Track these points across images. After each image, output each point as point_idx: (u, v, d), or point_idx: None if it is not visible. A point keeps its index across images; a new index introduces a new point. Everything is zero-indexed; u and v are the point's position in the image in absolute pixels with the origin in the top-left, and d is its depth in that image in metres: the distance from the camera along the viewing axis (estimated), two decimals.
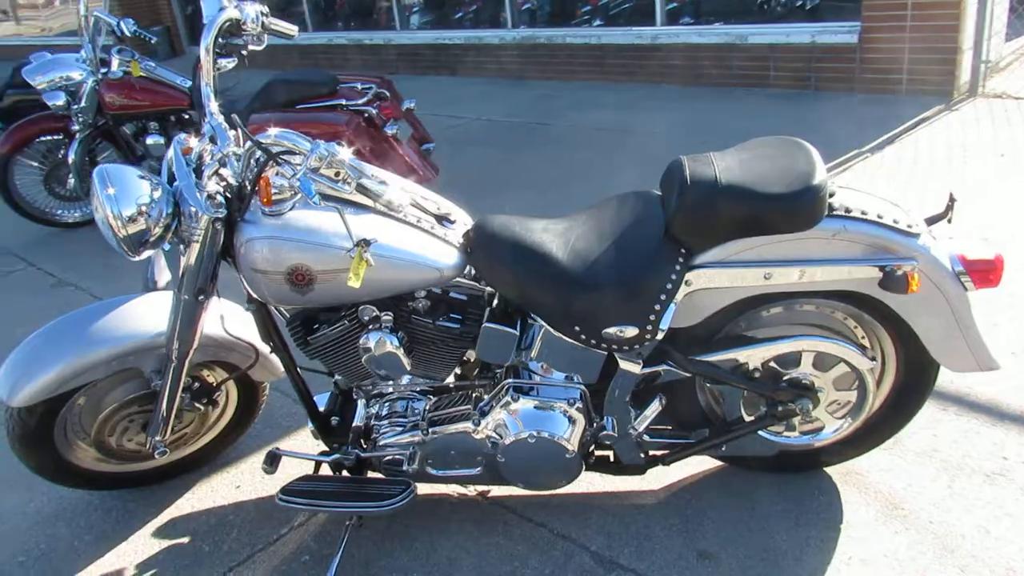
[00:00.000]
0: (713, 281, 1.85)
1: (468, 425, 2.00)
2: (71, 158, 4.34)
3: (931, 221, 1.91)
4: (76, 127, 4.41)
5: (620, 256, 1.86)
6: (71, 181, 4.54)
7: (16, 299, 3.88)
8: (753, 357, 1.96)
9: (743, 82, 6.56)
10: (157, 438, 2.11)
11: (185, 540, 2.23)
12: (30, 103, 4.97)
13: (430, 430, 2.02)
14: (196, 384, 2.24)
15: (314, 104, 4.16)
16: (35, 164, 4.58)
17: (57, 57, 4.46)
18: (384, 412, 2.09)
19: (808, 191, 1.74)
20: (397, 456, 2.08)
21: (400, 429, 2.06)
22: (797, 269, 1.84)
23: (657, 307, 1.82)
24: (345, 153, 1.73)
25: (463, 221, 2.03)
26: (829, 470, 2.24)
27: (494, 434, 1.99)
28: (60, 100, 4.32)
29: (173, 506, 2.37)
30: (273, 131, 1.82)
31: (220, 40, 1.97)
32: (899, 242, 1.81)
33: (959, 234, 3.46)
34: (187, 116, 4.57)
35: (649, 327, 1.84)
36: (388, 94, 4.29)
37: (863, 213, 1.82)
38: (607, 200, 2.06)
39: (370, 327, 1.95)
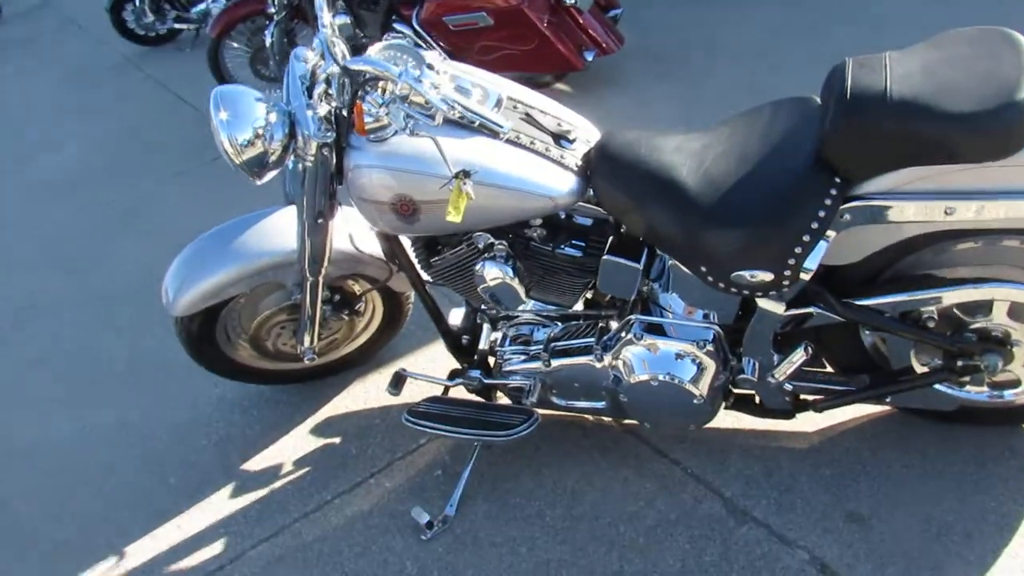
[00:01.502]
0: (877, 217, 1.52)
1: (591, 359, 1.88)
2: (267, 41, 4.48)
3: None
4: (272, 9, 4.51)
5: (759, 185, 1.58)
6: (271, 63, 4.71)
7: (217, 185, 4.16)
8: (928, 303, 1.63)
9: None
10: (305, 346, 2.20)
11: (336, 441, 2.35)
12: None
13: (552, 360, 1.92)
14: (337, 296, 2.28)
15: None
16: (242, 46, 4.79)
17: None
18: (509, 337, 2.02)
19: (1009, 109, 1.34)
20: (520, 384, 2.01)
21: (524, 356, 1.98)
22: (995, 203, 1.46)
23: (799, 249, 1.54)
24: (439, 78, 1.57)
25: (586, 138, 1.81)
26: None
27: (618, 371, 1.85)
28: None
29: (330, 404, 2.49)
30: (373, 49, 1.70)
31: None
32: None
33: None
34: None
35: (788, 272, 1.57)
36: None
37: None
38: (760, 108, 1.74)
39: (485, 255, 1.84)
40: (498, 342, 2.03)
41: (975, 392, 1.79)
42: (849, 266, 1.66)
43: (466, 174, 1.63)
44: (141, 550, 2.14)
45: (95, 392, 2.73)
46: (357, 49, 4.41)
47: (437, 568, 1.93)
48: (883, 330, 1.71)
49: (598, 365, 1.87)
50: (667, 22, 4.74)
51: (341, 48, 1.78)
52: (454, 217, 1.64)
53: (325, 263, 2.01)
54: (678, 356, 1.78)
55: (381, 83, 1.66)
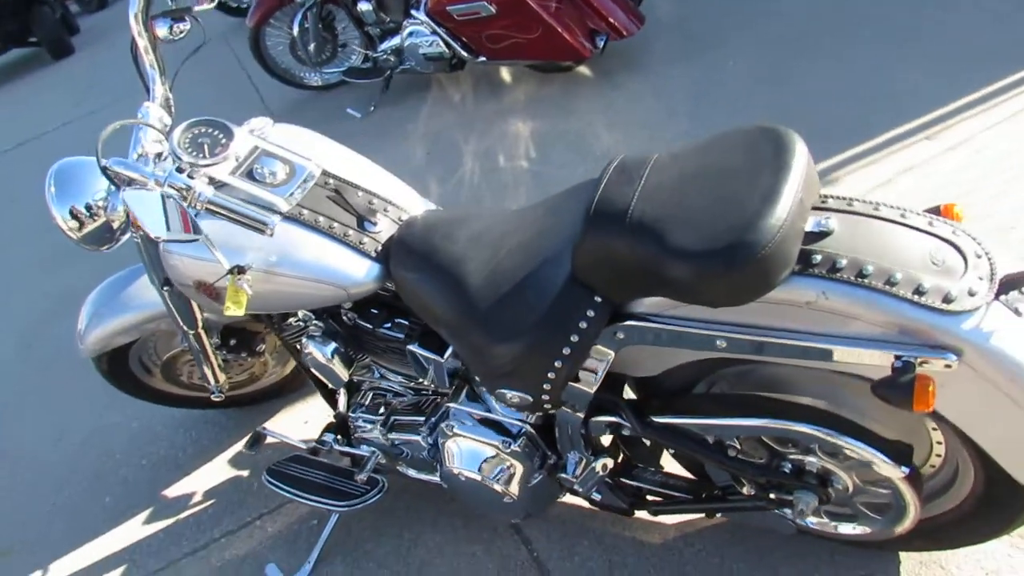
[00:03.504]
0: (653, 339, 1.35)
1: (419, 439, 1.81)
2: (295, 30, 4.51)
3: (1010, 283, 1.13)
4: None
5: (523, 296, 1.42)
6: (311, 47, 4.75)
7: None
8: (728, 431, 1.43)
9: None
10: (211, 385, 2.25)
11: (245, 474, 2.43)
12: None
13: (389, 434, 1.87)
14: (234, 340, 2.31)
15: None
16: (283, 30, 4.85)
17: None
18: (359, 403, 1.98)
19: (736, 250, 1.12)
20: (363, 454, 1.97)
21: (369, 426, 1.94)
22: (766, 340, 1.25)
23: (552, 375, 1.39)
24: (221, 168, 1.52)
25: (397, 217, 1.70)
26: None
27: (438, 455, 1.78)
28: None
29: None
30: (178, 129, 1.62)
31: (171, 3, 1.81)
32: (925, 324, 1.12)
33: None
34: None
35: (547, 396, 1.43)
36: None
37: (861, 275, 1.14)
38: (573, 190, 1.56)
39: (308, 333, 1.80)
40: (351, 407, 2.00)
41: (813, 521, 1.58)
42: (662, 376, 1.49)
43: (240, 270, 1.58)
44: (58, 568, 2.33)
45: (79, 393, 2.95)
46: (383, 35, 4.38)
47: None
48: (682, 451, 1.53)
49: (425, 446, 1.81)
50: None
51: (157, 120, 1.74)
52: (234, 311, 1.60)
53: (199, 316, 2.03)
54: (483, 454, 1.67)
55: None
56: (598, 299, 1.34)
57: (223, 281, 1.62)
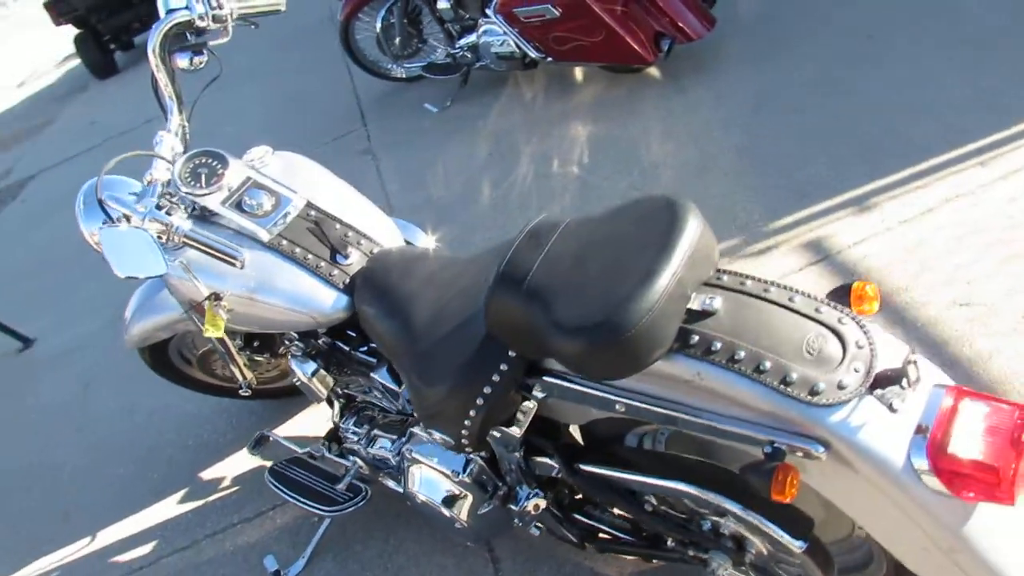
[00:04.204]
0: (565, 396, 1.38)
1: (388, 455, 1.91)
2: (379, 24, 4.66)
3: (886, 378, 1.08)
4: None
5: (452, 342, 1.48)
6: (395, 41, 4.89)
7: (335, 163, 4.49)
8: (644, 487, 1.45)
9: None
10: (240, 380, 2.44)
11: (268, 464, 2.61)
12: None
13: (368, 448, 1.98)
14: (256, 342, 2.48)
15: None
16: (371, 24, 5.00)
17: None
18: (349, 415, 2.09)
19: (610, 329, 1.14)
20: (345, 464, 2.09)
21: (354, 438, 2.05)
22: (659, 410, 1.26)
23: (468, 422, 1.44)
24: (210, 197, 1.66)
25: (369, 250, 1.79)
26: None
27: (403, 474, 1.87)
28: None
29: (291, 422, 2.74)
30: (180, 160, 1.78)
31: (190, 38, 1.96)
32: (793, 414, 1.11)
33: None
34: None
35: (465, 441, 1.48)
36: None
37: (733, 359, 1.13)
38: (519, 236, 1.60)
39: (291, 352, 1.93)
40: (343, 418, 2.12)
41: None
42: (591, 425, 1.51)
43: (217, 297, 1.72)
44: (103, 536, 2.60)
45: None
46: (462, 31, 4.45)
47: None
48: (599, 503, 1.55)
49: (393, 464, 1.90)
50: None
51: (167, 150, 1.89)
52: (212, 333, 1.75)
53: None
54: (435, 479, 1.75)
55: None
56: (512, 354, 1.38)
57: (205, 304, 1.76)
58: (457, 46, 4.44)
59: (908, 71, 3.20)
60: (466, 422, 1.45)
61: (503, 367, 1.39)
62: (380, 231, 1.85)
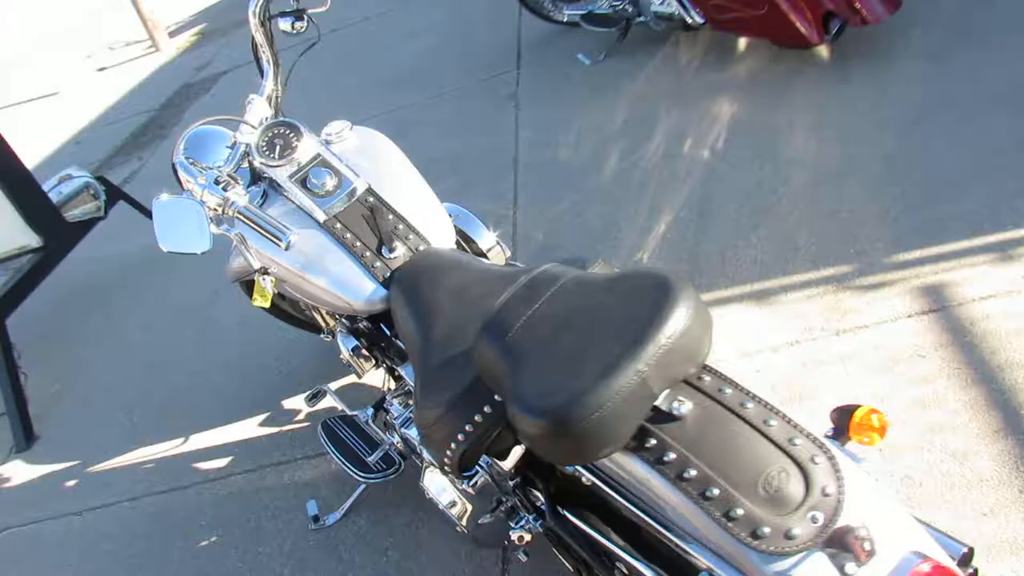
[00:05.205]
0: None
1: (415, 443, 1.95)
2: None
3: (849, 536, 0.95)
4: None
5: (455, 365, 1.46)
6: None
7: (480, 102, 4.48)
8: (611, 552, 1.39)
9: None
10: (322, 327, 2.56)
11: (339, 407, 2.74)
12: None
13: (403, 429, 2.02)
14: None
15: None
16: None
17: None
18: (396, 393, 2.14)
19: (560, 419, 1.07)
20: (382, 439, 2.15)
21: (395, 415, 2.10)
22: (615, 497, 1.20)
23: (449, 452, 1.42)
24: (282, 169, 1.73)
25: (416, 246, 1.78)
26: None
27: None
28: None
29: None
30: (255, 134, 1.85)
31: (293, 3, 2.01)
32: (733, 550, 1.02)
33: None
34: None
35: (447, 466, 1.47)
36: None
37: (681, 477, 1.04)
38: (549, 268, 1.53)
39: (338, 326, 1.98)
40: (394, 394, 2.16)
41: None
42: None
43: (265, 271, 1.79)
44: (195, 440, 2.86)
45: None
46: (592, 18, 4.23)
47: (297, 557, 2.29)
48: (575, 549, 1.49)
49: (419, 451, 1.94)
50: None
51: (255, 116, 1.95)
52: (261, 303, 1.83)
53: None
54: (443, 482, 1.77)
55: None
56: (497, 398, 1.34)
57: (255, 277, 1.84)
58: None
59: None
60: (448, 452, 1.44)
61: (486, 409, 1.36)
62: (433, 227, 1.83)
